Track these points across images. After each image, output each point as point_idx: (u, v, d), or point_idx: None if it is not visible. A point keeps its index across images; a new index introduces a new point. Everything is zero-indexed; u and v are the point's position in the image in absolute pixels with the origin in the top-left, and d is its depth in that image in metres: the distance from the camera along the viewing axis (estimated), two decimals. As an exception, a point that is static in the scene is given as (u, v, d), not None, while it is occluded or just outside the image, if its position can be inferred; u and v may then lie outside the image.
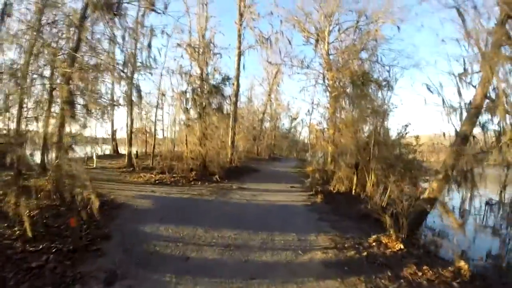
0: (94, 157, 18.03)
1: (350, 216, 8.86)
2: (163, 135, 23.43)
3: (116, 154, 25.43)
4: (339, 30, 22.51)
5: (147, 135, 24.91)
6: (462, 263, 5.24)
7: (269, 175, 18.45)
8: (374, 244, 6.30)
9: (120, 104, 17.16)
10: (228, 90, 17.60)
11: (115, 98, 18.66)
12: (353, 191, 13.12)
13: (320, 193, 11.55)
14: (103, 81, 16.47)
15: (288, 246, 5.90)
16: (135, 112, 19.25)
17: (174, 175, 13.88)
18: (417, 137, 14.72)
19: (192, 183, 12.95)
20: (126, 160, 17.33)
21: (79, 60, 9.84)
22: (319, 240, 6.36)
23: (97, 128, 21.88)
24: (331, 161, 18.17)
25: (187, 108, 14.89)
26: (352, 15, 21.37)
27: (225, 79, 16.06)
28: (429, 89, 11.95)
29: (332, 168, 16.77)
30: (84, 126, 9.80)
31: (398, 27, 20.25)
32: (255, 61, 50.16)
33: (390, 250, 6.00)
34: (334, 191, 12.92)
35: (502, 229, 8.71)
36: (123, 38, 12.63)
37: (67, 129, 8.96)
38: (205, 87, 15.90)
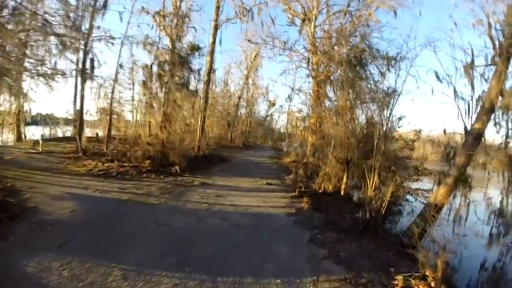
0: (40, 140, 15.03)
1: (349, 230, 6.50)
2: (134, 117, 20.19)
3: (79, 137, 21.83)
4: (327, 12, 20.21)
5: (111, 115, 21.47)
6: None
7: (242, 166, 15.81)
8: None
9: (61, 73, 13.76)
10: (198, 64, 14.59)
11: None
12: (343, 191, 10.85)
13: (304, 194, 9.10)
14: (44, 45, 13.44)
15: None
16: (94, 88, 16.02)
17: (124, 165, 10.99)
18: (419, 131, 12.61)
19: (144, 175, 10.10)
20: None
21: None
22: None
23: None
24: (313, 153, 16.00)
25: (144, 82, 11.82)
26: (343, -3, 19.07)
27: (194, 48, 13.02)
28: (437, 77, 9.81)
29: (313, 161, 14.47)
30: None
31: (395, 12, 17.96)
32: (233, 43, 46.64)
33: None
34: (320, 191, 10.53)
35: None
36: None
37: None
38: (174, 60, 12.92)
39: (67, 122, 22.95)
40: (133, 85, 16.07)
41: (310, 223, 6.57)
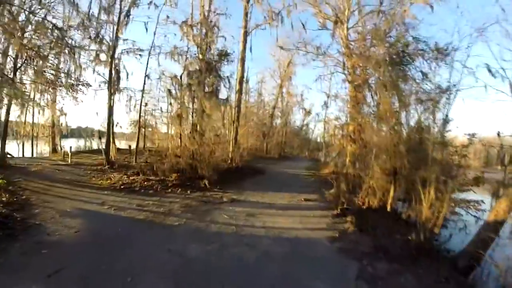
0: (69, 152, 15.33)
1: (402, 257, 5.41)
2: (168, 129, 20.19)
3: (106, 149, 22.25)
4: (360, 13, 19.10)
5: (140, 127, 21.58)
6: None
7: (277, 178, 14.79)
8: None
9: (86, 84, 13.94)
10: (228, 71, 14.03)
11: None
12: (389, 205, 9.54)
13: (348, 212, 7.97)
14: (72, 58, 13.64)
15: None
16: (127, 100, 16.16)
17: (149, 178, 10.53)
18: (472, 136, 10.92)
19: (169, 190, 9.52)
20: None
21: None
22: None
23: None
24: (354, 163, 14.70)
25: (169, 91, 11.37)
26: (375, -3, 17.92)
27: (223, 54, 12.41)
28: (490, 71, 8.39)
29: (354, 172, 13.17)
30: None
31: (432, 7, 16.38)
32: (265, 52, 46.31)
33: None
34: (364, 206, 9.32)
35: None
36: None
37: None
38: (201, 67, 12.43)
39: (102, 134, 23.51)
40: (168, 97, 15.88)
41: (356, 250, 5.45)
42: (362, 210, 8.94)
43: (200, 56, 12.78)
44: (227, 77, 12.59)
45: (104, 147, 14.07)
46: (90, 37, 13.11)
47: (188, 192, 9.43)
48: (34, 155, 18.85)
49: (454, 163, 9.60)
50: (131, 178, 10.68)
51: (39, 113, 18.19)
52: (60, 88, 14.21)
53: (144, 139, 15.38)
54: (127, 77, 14.70)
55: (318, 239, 5.94)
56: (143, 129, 16.42)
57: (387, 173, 9.73)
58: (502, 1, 7.81)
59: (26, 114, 17.78)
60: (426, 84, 9.53)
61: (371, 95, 14.95)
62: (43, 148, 20.54)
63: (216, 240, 5.44)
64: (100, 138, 18.41)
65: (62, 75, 13.97)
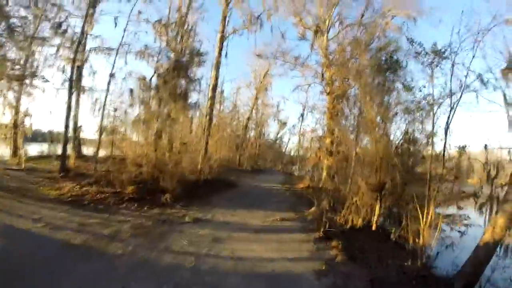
0: (23, 156, 14.22)
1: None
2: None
3: (77, 155, 20.30)
4: (340, 24, 18.84)
5: (101, 132, 19.81)
6: None
7: (250, 193, 13.51)
8: None
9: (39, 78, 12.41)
10: (200, 74, 12.77)
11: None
12: (374, 224, 8.53)
13: (331, 235, 6.81)
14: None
15: None
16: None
17: (104, 190, 8.98)
18: (462, 148, 10.23)
19: (123, 205, 7.96)
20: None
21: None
22: None
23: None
24: (332, 177, 13.79)
25: (131, 91, 9.97)
26: (356, 9, 17.97)
27: (194, 54, 11.10)
28: (482, 80, 7.81)
29: (330, 185, 12.20)
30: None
31: (415, 19, 16.40)
32: (242, 63, 45.71)
33: None
34: (347, 226, 8.24)
35: None
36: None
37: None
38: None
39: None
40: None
41: (350, 288, 4.26)
42: (346, 230, 7.84)
43: (173, 57, 11.53)
44: (198, 79, 11.28)
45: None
46: (53, 27, 11.53)
47: (145, 208, 7.89)
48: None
49: (446, 177, 8.81)
50: (83, 189, 9.07)
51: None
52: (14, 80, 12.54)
53: (111, 146, 13.71)
54: (93, 76, 13.29)
55: (302, 274, 4.64)
56: (112, 135, 14.72)
57: (372, 188, 8.76)
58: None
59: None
60: (416, 93, 8.68)
61: (350, 107, 14.34)
62: (3, 151, 18.38)
63: (168, 279, 4.00)
64: (52, 141, 16.65)
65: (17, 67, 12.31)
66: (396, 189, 8.99)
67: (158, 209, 7.95)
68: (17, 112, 16.66)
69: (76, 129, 19.25)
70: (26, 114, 17.06)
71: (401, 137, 9.52)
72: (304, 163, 28.66)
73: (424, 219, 6.35)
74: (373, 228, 8.49)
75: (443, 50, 7.55)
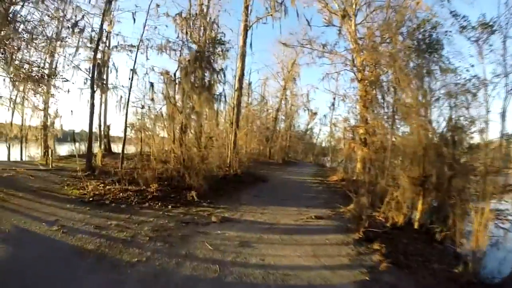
0: (50, 156, 14.04)
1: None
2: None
3: (107, 153, 20.82)
4: (368, 7, 17.66)
5: (126, 128, 20.19)
6: None
7: (281, 188, 12.99)
8: None
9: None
10: (224, 65, 12.35)
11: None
12: (416, 222, 7.70)
13: (373, 236, 6.15)
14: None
15: None
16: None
17: (128, 188, 8.86)
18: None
19: (147, 204, 7.71)
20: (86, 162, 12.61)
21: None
22: None
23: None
24: (368, 169, 12.96)
25: (152, 85, 9.73)
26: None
27: (217, 42, 10.63)
28: None
29: (366, 178, 11.36)
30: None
31: None
32: (269, 54, 44.88)
33: None
34: (387, 223, 7.47)
35: None
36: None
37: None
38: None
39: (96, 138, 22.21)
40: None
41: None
42: (387, 229, 7.11)
43: (196, 48, 11.22)
44: (221, 69, 10.78)
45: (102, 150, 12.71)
46: (69, 27, 11.58)
47: (169, 207, 7.56)
48: (24, 159, 17.77)
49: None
50: (107, 187, 8.99)
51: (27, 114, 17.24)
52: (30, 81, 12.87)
53: (140, 142, 13.74)
54: (116, 74, 13.40)
55: (343, 287, 3.99)
56: (140, 132, 14.80)
57: (414, 182, 7.92)
58: None
59: (13, 115, 17.04)
60: (462, 73, 7.68)
61: (383, 94, 13.49)
62: (35, 151, 19.25)
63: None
64: (79, 141, 17.02)
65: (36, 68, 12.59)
66: (441, 182, 8.09)
67: (182, 208, 7.59)
68: (45, 114, 17.41)
69: (103, 127, 19.79)
70: (56, 116, 17.69)
71: (445, 124, 8.52)
72: (336, 154, 27.81)
73: (479, 219, 5.49)
74: (415, 226, 7.70)
75: (491, 23, 6.53)
